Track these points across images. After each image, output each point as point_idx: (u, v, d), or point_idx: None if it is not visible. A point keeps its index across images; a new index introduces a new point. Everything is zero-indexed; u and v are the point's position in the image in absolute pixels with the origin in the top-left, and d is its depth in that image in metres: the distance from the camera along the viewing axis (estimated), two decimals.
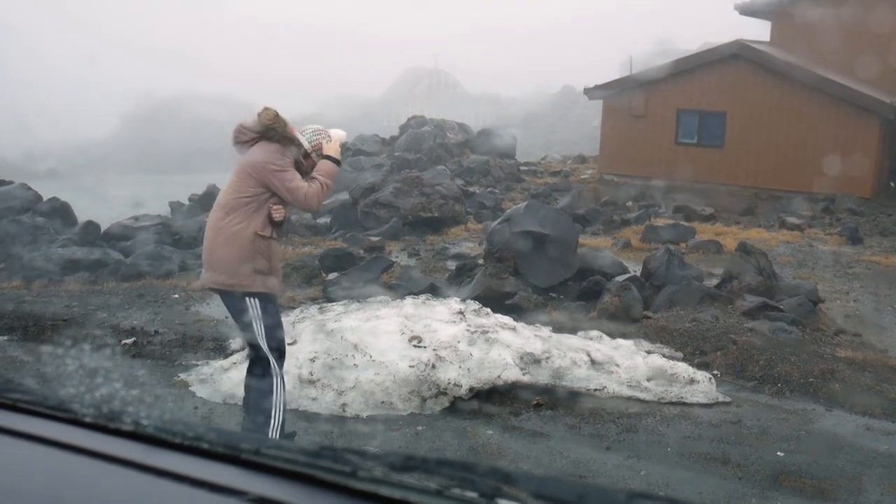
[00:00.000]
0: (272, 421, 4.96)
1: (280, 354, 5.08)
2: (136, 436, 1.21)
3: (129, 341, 7.66)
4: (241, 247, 4.94)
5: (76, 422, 1.26)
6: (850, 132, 20.89)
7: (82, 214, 15.29)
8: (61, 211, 15.02)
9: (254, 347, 5.05)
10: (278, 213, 5.14)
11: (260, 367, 5.03)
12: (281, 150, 5.17)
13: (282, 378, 5.05)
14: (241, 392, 5.49)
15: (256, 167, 5.06)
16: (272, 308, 5.06)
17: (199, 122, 71.39)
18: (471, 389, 6.26)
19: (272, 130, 5.19)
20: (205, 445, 1.16)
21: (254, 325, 4.98)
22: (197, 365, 7.07)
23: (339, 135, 5.45)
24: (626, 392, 6.59)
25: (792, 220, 17.54)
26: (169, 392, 6.41)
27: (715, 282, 10.52)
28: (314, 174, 5.20)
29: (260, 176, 5.05)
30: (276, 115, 5.27)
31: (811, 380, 7.08)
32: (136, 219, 15.77)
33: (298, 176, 5.11)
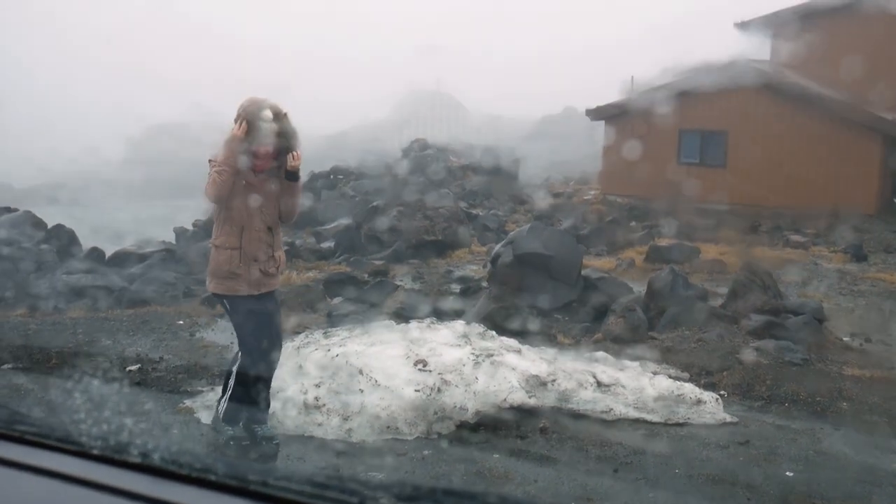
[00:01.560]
0: (219, 408, 5.55)
1: (250, 352, 5.41)
2: (143, 468, 1.21)
3: (133, 368, 7.65)
4: (211, 253, 5.54)
5: (82, 454, 1.26)
6: (852, 149, 20.92)
7: (87, 241, 15.33)
8: (66, 237, 15.06)
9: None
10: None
11: (232, 359, 5.56)
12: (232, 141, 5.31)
13: (234, 372, 5.44)
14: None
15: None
16: (240, 313, 5.45)
17: (202, 148, 71.73)
18: (476, 413, 6.24)
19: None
20: (212, 477, 1.16)
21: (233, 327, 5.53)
22: (202, 391, 7.05)
23: (267, 115, 5.33)
24: (633, 414, 6.56)
25: (796, 238, 17.54)
26: (174, 419, 6.40)
27: (720, 301, 10.50)
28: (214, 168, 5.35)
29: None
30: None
31: (819, 399, 7.05)
32: (140, 245, 15.81)
33: (218, 166, 5.28)
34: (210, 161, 5.35)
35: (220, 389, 5.92)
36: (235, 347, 5.77)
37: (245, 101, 5.38)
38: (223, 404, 5.58)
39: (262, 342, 5.50)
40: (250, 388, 5.47)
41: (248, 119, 5.29)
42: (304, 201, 22.88)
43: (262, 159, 5.40)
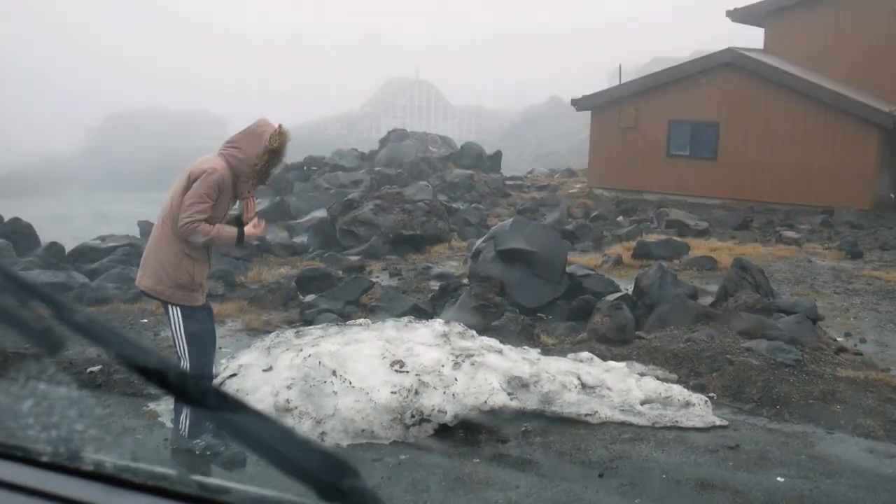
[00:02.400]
0: (180, 423, 5.55)
1: (198, 366, 5.40)
2: (99, 476, 1.19)
3: (94, 369, 7.59)
4: (167, 260, 5.38)
5: (33, 462, 1.24)
6: (847, 142, 21.08)
7: (46, 235, 15.19)
8: (23, 231, 14.92)
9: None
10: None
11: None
12: (223, 167, 5.43)
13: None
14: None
15: (195, 175, 5.37)
16: (195, 320, 5.47)
17: (169, 136, 71.34)
18: (456, 416, 6.24)
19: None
20: (173, 486, 1.15)
21: (173, 334, 5.48)
22: (167, 394, 7.00)
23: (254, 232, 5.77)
24: (619, 417, 6.59)
25: (789, 234, 17.66)
26: (137, 423, 6.36)
27: (710, 300, 10.55)
28: (217, 226, 5.45)
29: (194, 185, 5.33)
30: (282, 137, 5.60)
31: (811, 401, 7.10)
32: (102, 239, 15.67)
33: (208, 203, 5.35)
34: (203, 176, 5.34)
35: None
36: None
37: (268, 125, 5.60)
38: (185, 420, 5.58)
39: (209, 349, 5.68)
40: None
41: (275, 152, 5.55)
42: (276, 196, 22.79)
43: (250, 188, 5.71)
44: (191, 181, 5.38)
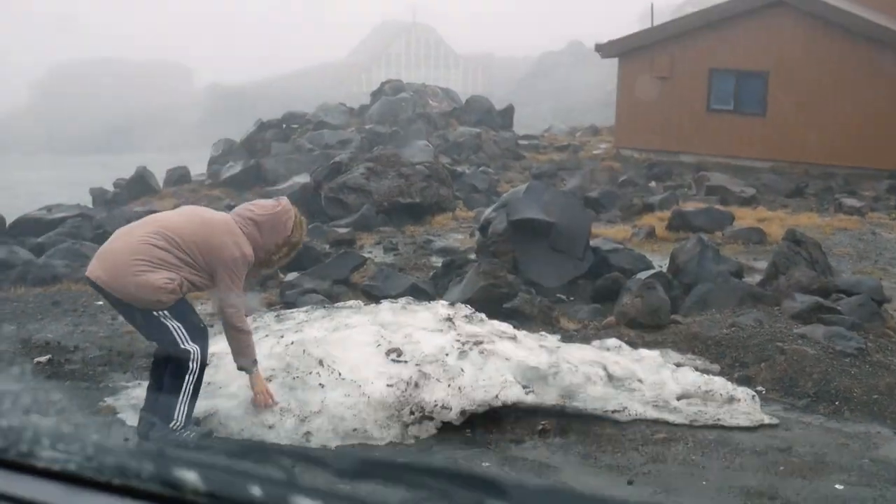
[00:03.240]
0: (176, 414, 5.74)
1: (203, 341, 5.84)
2: (53, 474, 1.20)
3: (43, 359, 7.62)
4: (144, 286, 5.56)
5: None
6: None
7: None
8: None
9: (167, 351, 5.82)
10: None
11: (176, 365, 5.75)
12: (249, 251, 5.82)
13: (196, 370, 5.76)
14: None
15: (215, 250, 5.71)
16: (180, 306, 5.76)
17: (126, 91, 71.20)
18: (462, 412, 6.26)
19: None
20: (137, 484, 1.15)
21: (170, 333, 5.71)
22: (127, 387, 7.04)
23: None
24: (652, 414, 6.60)
25: (850, 202, 17.62)
26: (93, 420, 6.38)
27: (758, 278, 10.54)
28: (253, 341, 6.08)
29: (211, 257, 5.71)
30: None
31: (875, 397, 7.10)
32: (49, 209, 15.68)
33: (241, 286, 5.90)
34: (236, 263, 5.78)
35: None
36: None
37: (291, 211, 6.06)
38: (182, 409, 5.77)
39: (203, 330, 5.95)
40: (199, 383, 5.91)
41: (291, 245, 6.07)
42: (251, 159, 22.80)
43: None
44: (213, 246, 5.72)
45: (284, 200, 6.15)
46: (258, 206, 6.05)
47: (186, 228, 5.76)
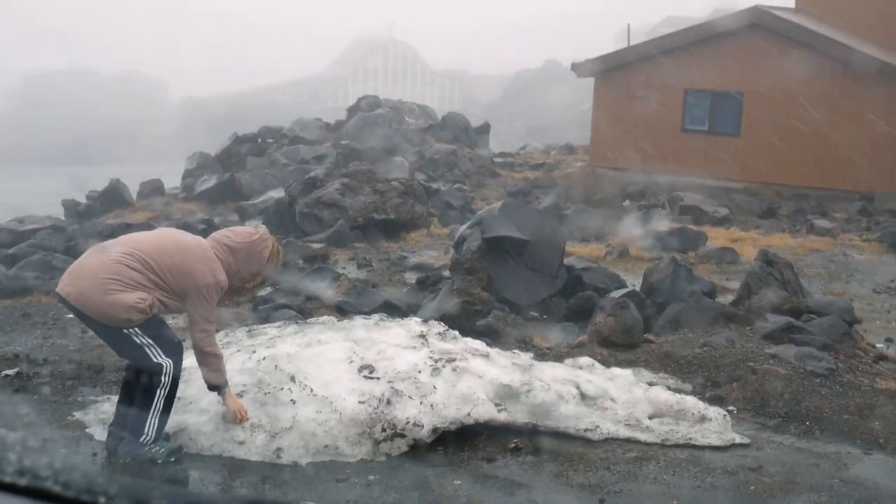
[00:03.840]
0: (146, 429, 5.74)
1: (177, 356, 5.86)
2: (19, 490, 1.19)
3: (10, 372, 7.55)
4: (114, 304, 5.56)
5: None
6: (892, 118, 21.19)
7: None
8: None
9: (138, 366, 5.82)
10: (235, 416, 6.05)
11: (148, 379, 5.75)
12: (224, 278, 5.86)
13: (168, 384, 5.76)
14: None
15: (189, 275, 5.72)
16: (152, 322, 5.75)
17: (100, 102, 70.87)
18: (434, 430, 6.24)
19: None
20: (103, 500, 1.14)
21: (141, 348, 5.71)
22: (96, 401, 6.98)
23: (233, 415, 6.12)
24: (624, 432, 6.61)
25: (822, 223, 17.77)
26: (61, 435, 6.33)
27: (730, 298, 10.59)
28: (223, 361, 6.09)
29: (184, 282, 5.73)
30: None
31: (846, 416, 7.14)
32: (20, 220, 15.58)
33: (215, 313, 5.98)
34: (209, 290, 5.79)
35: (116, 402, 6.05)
36: None
37: (268, 242, 6.12)
38: (152, 424, 5.77)
39: (177, 344, 5.96)
40: (171, 399, 5.92)
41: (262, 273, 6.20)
42: (225, 173, 22.73)
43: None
44: (186, 271, 5.73)
45: (262, 229, 6.18)
46: (235, 234, 6.07)
47: (161, 251, 5.75)
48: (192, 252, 5.82)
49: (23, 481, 1.20)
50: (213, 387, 6.00)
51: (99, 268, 5.64)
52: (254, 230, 6.14)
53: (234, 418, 6.05)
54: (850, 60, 21.46)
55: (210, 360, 5.89)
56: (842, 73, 21.57)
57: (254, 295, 6.52)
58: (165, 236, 6.09)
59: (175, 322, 8.38)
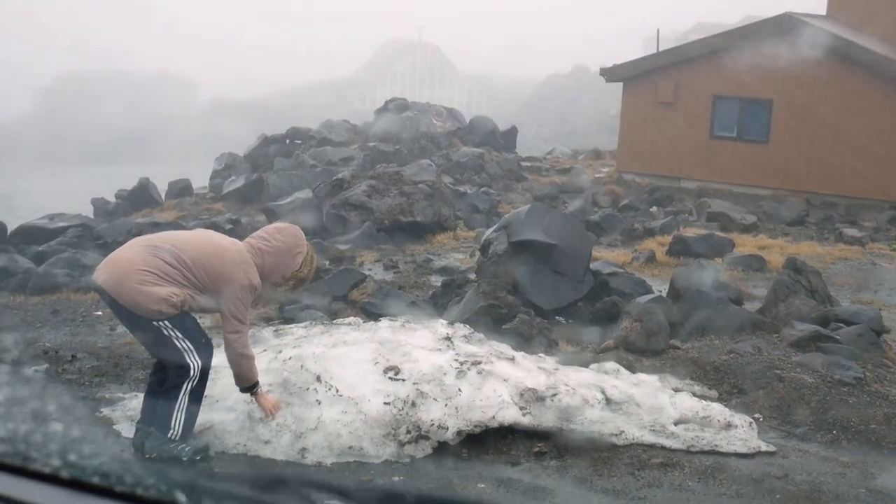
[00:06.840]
0: (172, 424, 5.80)
1: (206, 352, 5.93)
2: (55, 479, 1.20)
3: (40, 369, 7.61)
4: (147, 294, 5.64)
5: None
6: None
7: None
8: None
9: (166, 361, 5.89)
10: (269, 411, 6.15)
11: (177, 377, 5.82)
12: (259, 280, 5.95)
13: (196, 380, 5.85)
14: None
15: (224, 277, 5.81)
16: (183, 318, 5.85)
17: (129, 102, 71.33)
18: (459, 433, 6.25)
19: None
20: (137, 490, 1.15)
21: (172, 344, 5.79)
22: (123, 398, 7.03)
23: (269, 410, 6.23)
24: (649, 438, 6.59)
25: (851, 232, 17.64)
26: (89, 431, 6.37)
27: (757, 306, 10.54)
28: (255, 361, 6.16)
29: (218, 283, 5.81)
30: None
31: (873, 426, 7.10)
32: (50, 218, 15.71)
33: (247, 312, 6.03)
34: (243, 288, 5.86)
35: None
36: None
37: (303, 245, 6.21)
38: (179, 419, 5.83)
39: (207, 343, 6.02)
40: (199, 396, 6.00)
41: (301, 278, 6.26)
42: (254, 173, 22.83)
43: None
44: (221, 273, 5.82)
45: (298, 234, 6.24)
46: (272, 237, 6.13)
47: (198, 251, 5.84)
48: (228, 254, 5.89)
49: (57, 471, 1.22)
50: (245, 388, 6.05)
51: (136, 259, 5.73)
52: (291, 235, 6.19)
53: (268, 416, 6.13)
54: (880, 68, 21.32)
55: (242, 362, 5.94)
56: (872, 80, 21.43)
57: (294, 295, 6.59)
58: (204, 236, 6.16)
59: (202, 321, 8.43)
